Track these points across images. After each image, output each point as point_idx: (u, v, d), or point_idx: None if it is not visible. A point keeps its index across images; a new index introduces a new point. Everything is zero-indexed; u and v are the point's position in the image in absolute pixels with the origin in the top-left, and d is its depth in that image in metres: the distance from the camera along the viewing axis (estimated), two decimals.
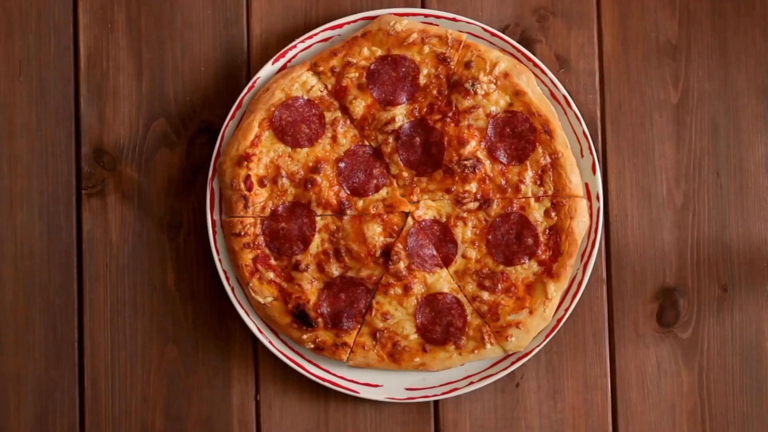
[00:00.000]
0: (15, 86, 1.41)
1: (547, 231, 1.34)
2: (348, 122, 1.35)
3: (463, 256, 1.34)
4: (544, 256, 1.33)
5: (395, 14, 1.36)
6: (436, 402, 1.37)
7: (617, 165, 1.38)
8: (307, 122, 1.35)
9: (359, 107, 1.36)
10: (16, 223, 1.39)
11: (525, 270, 1.34)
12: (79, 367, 1.38)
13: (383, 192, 1.35)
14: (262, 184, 1.34)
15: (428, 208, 1.35)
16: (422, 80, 1.36)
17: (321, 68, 1.36)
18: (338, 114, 1.35)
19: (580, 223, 1.33)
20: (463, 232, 1.34)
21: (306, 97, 1.35)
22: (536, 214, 1.34)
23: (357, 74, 1.36)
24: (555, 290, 1.32)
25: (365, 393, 1.35)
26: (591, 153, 1.35)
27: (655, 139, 1.39)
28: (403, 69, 1.36)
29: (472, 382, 1.35)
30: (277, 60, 1.37)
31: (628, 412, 1.37)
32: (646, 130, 1.39)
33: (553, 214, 1.33)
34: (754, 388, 1.37)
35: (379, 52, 1.36)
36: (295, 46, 1.37)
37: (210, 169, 1.36)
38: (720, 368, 1.37)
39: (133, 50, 1.41)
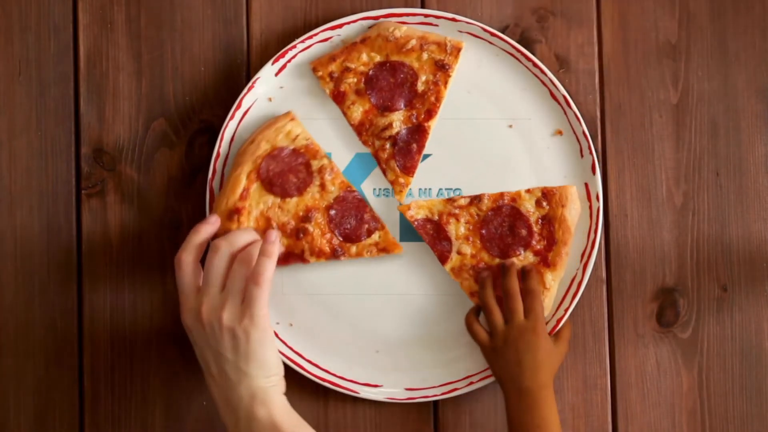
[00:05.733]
0: (15, 86, 1.41)
1: (540, 221, 1.34)
2: (335, 169, 1.35)
3: (459, 253, 1.34)
4: (538, 246, 1.33)
5: (394, 14, 1.36)
6: (435, 402, 1.38)
7: (617, 165, 1.38)
8: (294, 172, 1.34)
9: (357, 112, 1.36)
10: (15, 222, 1.39)
11: (521, 261, 1.34)
12: (79, 367, 1.39)
13: (375, 236, 1.35)
14: None
15: (420, 207, 1.35)
16: (420, 87, 1.36)
17: (320, 73, 1.36)
18: (325, 161, 1.35)
19: (572, 210, 1.33)
20: (456, 229, 1.34)
21: (291, 147, 1.35)
22: (527, 204, 1.34)
23: (355, 80, 1.36)
24: (552, 279, 1.33)
25: (365, 393, 1.35)
26: (591, 153, 1.35)
27: (655, 139, 1.39)
28: (402, 75, 1.36)
29: (472, 383, 1.35)
30: (276, 60, 1.37)
31: (628, 411, 1.37)
32: (645, 130, 1.39)
33: (544, 203, 1.34)
34: (754, 388, 1.37)
35: (378, 58, 1.36)
36: (294, 47, 1.37)
37: (210, 170, 1.36)
38: (720, 368, 1.37)
39: (132, 50, 1.41)
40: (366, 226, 1.35)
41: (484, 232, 1.34)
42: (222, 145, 1.36)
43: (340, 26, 1.37)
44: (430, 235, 1.35)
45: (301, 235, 1.34)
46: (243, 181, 1.33)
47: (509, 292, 1.31)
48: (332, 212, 1.34)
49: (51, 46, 1.41)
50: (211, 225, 1.29)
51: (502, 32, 1.38)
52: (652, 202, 1.38)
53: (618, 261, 1.38)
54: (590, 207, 1.35)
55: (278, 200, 1.34)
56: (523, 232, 1.34)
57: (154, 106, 1.40)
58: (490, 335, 1.31)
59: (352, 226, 1.35)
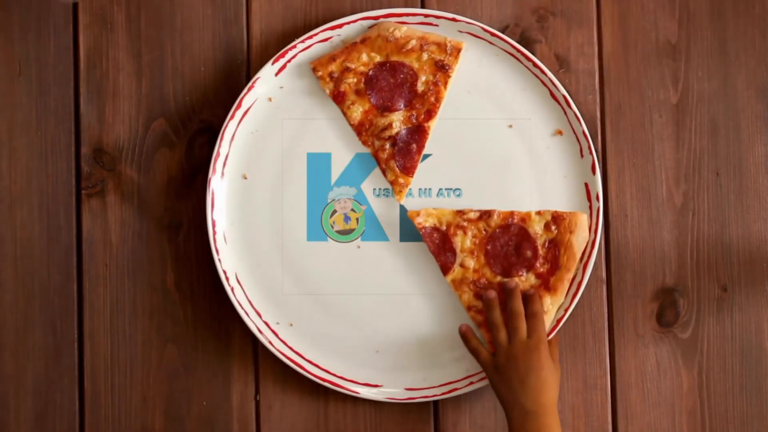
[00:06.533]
0: (15, 86, 1.41)
1: (547, 244, 1.33)
2: None
3: (461, 266, 1.34)
4: (542, 269, 1.33)
5: (394, 14, 1.36)
6: (435, 402, 1.38)
7: (617, 165, 1.38)
8: None
9: (357, 113, 1.36)
10: (16, 223, 1.40)
11: (522, 282, 1.33)
12: (79, 367, 1.39)
13: None
14: None
15: (429, 215, 1.35)
16: (420, 87, 1.36)
17: (320, 73, 1.36)
18: None
19: (580, 237, 1.33)
20: (463, 241, 1.34)
21: None
22: (536, 226, 1.34)
23: (355, 80, 1.36)
24: (551, 303, 1.32)
25: (365, 393, 1.35)
26: (591, 153, 1.35)
27: (655, 139, 1.39)
28: (402, 75, 1.36)
29: (472, 383, 1.35)
30: (276, 60, 1.37)
31: (628, 412, 1.37)
32: (645, 130, 1.39)
33: (553, 227, 1.33)
34: (754, 388, 1.37)
35: (378, 58, 1.36)
36: (294, 47, 1.37)
37: (210, 169, 1.36)
38: (720, 368, 1.37)
39: (133, 50, 1.41)
40: None
41: (489, 248, 1.34)
42: (222, 145, 1.36)
43: (340, 26, 1.37)
44: (436, 244, 1.34)
45: None
46: None
47: (514, 312, 1.30)
48: None
49: (51, 46, 1.41)
50: None
51: (502, 32, 1.38)
52: (652, 202, 1.38)
53: (618, 261, 1.38)
54: (590, 207, 1.35)
55: None
56: (529, 253, 1.33)
57: (154, 106, 1.40)
58: (491, 354, 1.31)
59: None
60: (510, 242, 1.34)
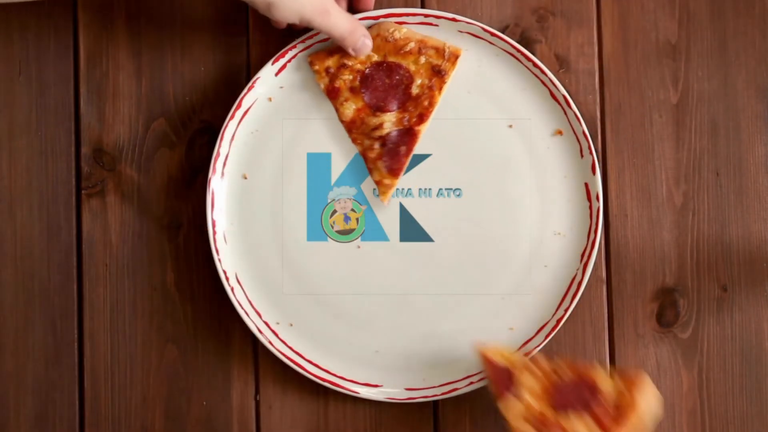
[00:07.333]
0: (15, 86, 1.41)
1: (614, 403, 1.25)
2: None
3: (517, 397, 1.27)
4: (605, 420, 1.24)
5: (394, 14, 1.36)
6: (436, 402, 1.38)
7: (617, 165, 1.38)
8: None
9: (349, 110, 1.36)
10: (15, 223, 1.40)
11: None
12: (79, 367, 1.39)
13: None
14: None
15: (496, 353, 1.30)
16: (415, 90, 1.36)
17: (316, 67, 1.36)
18: None
19: (649, 406, 1.25)
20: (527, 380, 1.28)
21: None
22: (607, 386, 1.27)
23: (351, 77, 1.36)
24: None
25: (365, 393, 1.35)
26: (591, 153, 1.35)
27: (655, 139, 1.39)
28: (397, 77, 1.36)
29: (472, 383, 1.35)
30: (277, 60, 1.36)
31: None
32: (645, 130, 1.39)
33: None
34: (754, 388, 1.37)
35: (376, 58, 1.36)
36: (295, 46, 1.37)
37: (210, 169, 1.36)
38: (720, 368, 1.37)
39: (133, 50, 1.41)
40: None
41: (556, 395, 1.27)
42: (222, 145, 1.36)
43: None
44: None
45: None
46: None
47: None
48: None
49: (51, 46, 1.41)
50: None
51: (502, 32, 1.38)
52: (652, 202, 1.38)
53: (618, 261, 1.38)
54: (590, 207, 1.35)
55: None
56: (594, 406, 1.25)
57: (154, 106, 1.40)
58: None
59: None
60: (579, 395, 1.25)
